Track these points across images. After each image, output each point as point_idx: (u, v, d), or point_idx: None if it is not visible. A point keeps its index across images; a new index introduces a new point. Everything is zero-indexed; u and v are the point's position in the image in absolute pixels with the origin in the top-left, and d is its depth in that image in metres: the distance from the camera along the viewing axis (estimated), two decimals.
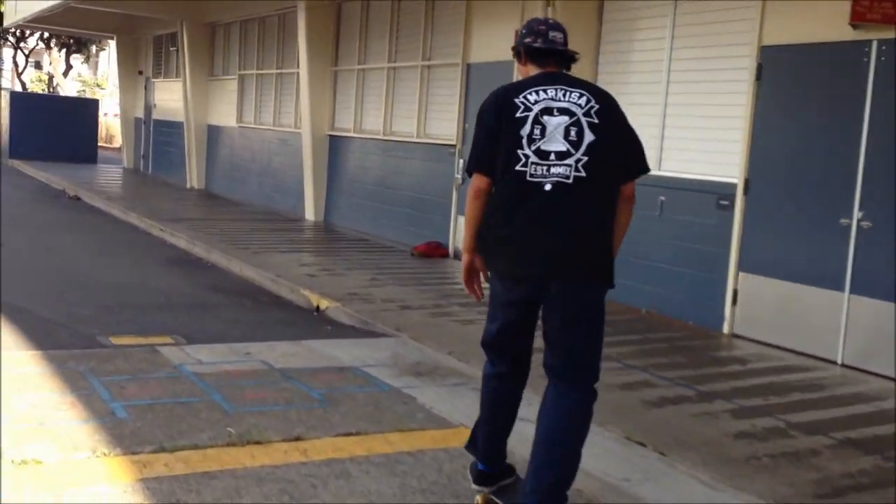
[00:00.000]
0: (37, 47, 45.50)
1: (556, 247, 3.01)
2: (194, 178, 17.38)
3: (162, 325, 6.28)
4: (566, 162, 3.01)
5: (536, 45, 3.22)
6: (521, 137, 3.04)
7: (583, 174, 3.00)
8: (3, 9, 30.27)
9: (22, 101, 21.99)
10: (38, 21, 21.10)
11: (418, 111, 10.88)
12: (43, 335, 5.60)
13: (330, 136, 12.79)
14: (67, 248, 9.79)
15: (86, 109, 22.98)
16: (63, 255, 9.29)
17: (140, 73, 21.17)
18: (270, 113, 14.67)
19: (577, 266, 3.02)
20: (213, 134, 17.07)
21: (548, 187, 2.99)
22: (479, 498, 3.39)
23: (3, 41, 38.84)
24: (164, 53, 19.62)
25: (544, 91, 3.10)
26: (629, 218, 3.19)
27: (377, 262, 9.47)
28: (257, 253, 9.45)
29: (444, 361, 5.59)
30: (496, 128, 3.10)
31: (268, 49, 14.90)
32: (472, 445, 3.43)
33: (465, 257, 3.26)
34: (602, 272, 3.07)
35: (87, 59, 52.89)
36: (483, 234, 3.15)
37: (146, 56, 20.84)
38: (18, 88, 42.95)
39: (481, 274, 3.27)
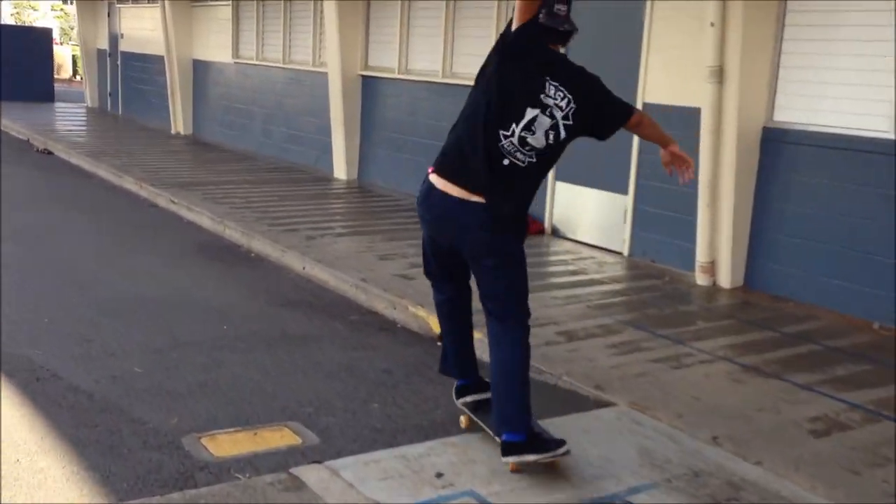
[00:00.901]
0: None
1: (490, 197, 3.30)
2: (179, 122, 14.99)
3: (249, 383, 4.31)
4: (530, 153, 3.32)
5: (548, 23, 3.31)
6: (524, 115, 3.29)
7: (534, 161, 3.34)
8: None
9: None
10: None
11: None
12: (87, 442, 3.57)
13: (363, 76, 10.59)
14: (61, 236, 7.59)
15: (38, 40, 20.03)
16: (60, 248, 7.10)
17: None
18: (278, 47, 12.31)
19: (491, 219, 3.32)
20: (201, 71, 14.62)
21: (505, 162, 3.32)
22: (463, 419, 3.81)
23: None
24: None
25: (555, 89, 3.30)
26: (650, 121, 3.61)
27: None
28: (312, 237, 7.40)
29: (737, 469, 3.57)
30: (519, 88, 3.31)
31: None
32: (445, 364, 3.83)
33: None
34: (508, 230, 3.37)
35: None
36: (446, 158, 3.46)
37: None
38: None
39: None
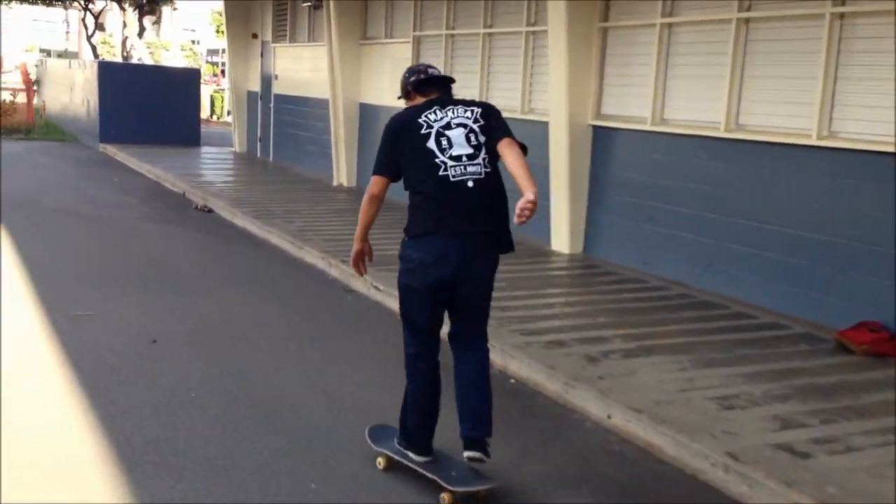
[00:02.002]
0: (106, 7, 42.23)
1: (481, 227, 3.67)
2: (342, 173, 13.35)
3: None
4: (475, 162, 3.67)
5: (421, 77, 3.96)
6: (433, 149, 3.66)
7: (489, 169, 3.69)
8: None
9: (112, 73, 18.14)
10: None
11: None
12: None
13: (595, 127, 8.56)
14: (248, 337, 5.80)
15: (185, 80, 19.00)
16: (249, 357, 5.31)
17: (255, 36, 17.13)
18: (473, 91, 10.46)
19: (492, 245, 3.75)
20: (369, 116, 12.97)
21: (470, 184, 3.62)
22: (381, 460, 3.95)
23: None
24: (290, 11, 15.51)
25: (440, 111, 3.76)
26: (518, 151, 3.71)
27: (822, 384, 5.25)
28: (593, 359, 5.32)
29: None
30: (398, 144, 3.76)
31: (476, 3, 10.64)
32: (419, 438, 3.85)
33: (355, 247, 4.01)
34: (505, 245, 3.81)
35: (158, 20, 49.55)
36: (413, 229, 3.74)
37: (262, 15, 16.77)
38: (88, 54, 39.64)
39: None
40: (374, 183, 3.79)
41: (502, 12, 9.97)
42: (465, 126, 3.70)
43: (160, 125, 18.21)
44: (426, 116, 3.74)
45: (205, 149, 18.47)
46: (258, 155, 17.30)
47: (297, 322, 6.35)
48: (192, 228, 9.79)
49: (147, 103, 18.04)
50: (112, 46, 44.85)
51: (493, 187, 3.68)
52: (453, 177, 3.61)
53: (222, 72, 36.29)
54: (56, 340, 5.54)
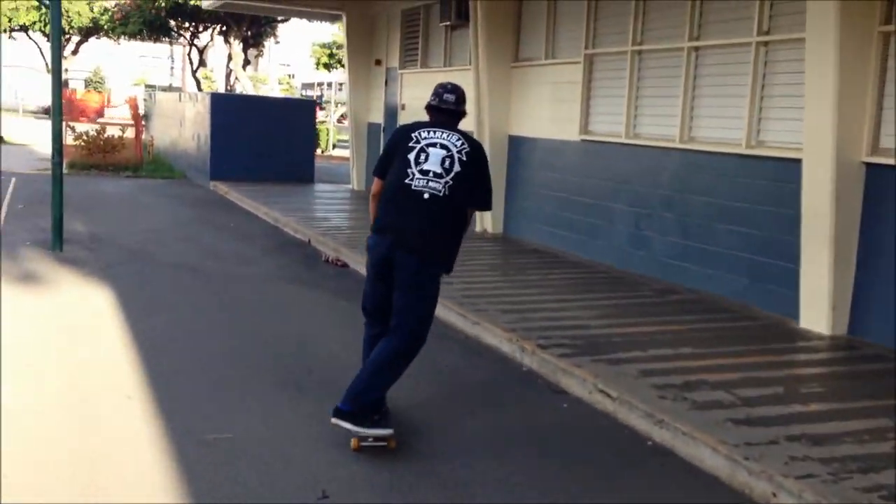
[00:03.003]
0: (210, 43, 42.15)
1: (415, 228, 4.22)
2: (486, 216, 11.50)
3: None
4: (440, 181, 4.22)
5: (433, 103, 4.51)
6: (410, 160, 4.27)
7: (448, 193, 4.23)
8: None
9: (224, 105, 16.88)
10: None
11: None
12: None
13: (869, 165, 6.45)
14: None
15: (300, 113, 17.61)
16: None
17: (378, 63, 15.58)
18: (671, 121, 8.47)
19: (418, 249, 4.22)
20: (520, 150, 11.11)
21: (426, 196, 4.20)
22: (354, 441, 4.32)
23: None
24: (422, 33, 13.88)
25: (433, 132, 4.36)
26: (466, 227, 4.47)
27: None
28: None
29: None
30: (394, 151, 4.38)
31: (673, 8, 8.68)
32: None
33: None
34: (435, 259, 4.30)
35: (261, 53, 49.53)
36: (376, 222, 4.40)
37: (388, 39, 15.21)
38: (193, 89, 39.40)
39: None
40: (374, 183, 4.51)
41: (716, 20, 7.97)
42: (447, 150, 4.28)
43: (273, 161, 16.85)
44: (420, 133, 4.36)
45: (319, 186, 16.98)
46: None
47: (520, 456, 4.41)
48: (332, 292, 8.03)
49: (259, 137, 16.71)
50: (213, 81, 44.77)
51: (447, 209, 4.23)
52: (414, 186, 4.21)
53: (319, 105, 35.40)
54: (185, 480, 3.77)
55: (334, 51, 43.90)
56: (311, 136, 17.62)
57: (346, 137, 43.78)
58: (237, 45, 33.34)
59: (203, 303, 7.28)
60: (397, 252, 4.21)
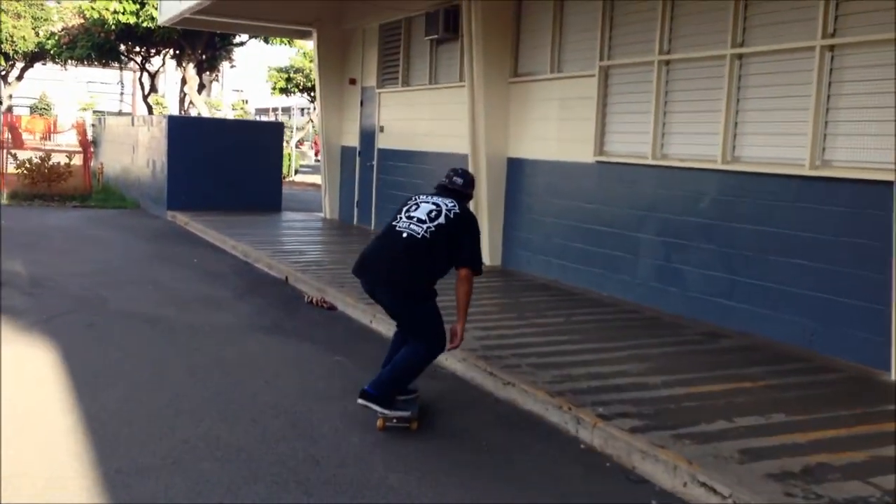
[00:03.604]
0: (161, 68, 40.65)
1: (388, 265, 4.73)
2: (484, 247, 10.30)
3: None
4: (422, 227, 4.69)
5: (443, 182, 5.04)
6: (402, 209, 4.88)
7: (428, 237, 4.66)
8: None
9: (183, 129, 15.48)
10: (200, 19, 14.66)
11: None
12: None
13: None
14: None
15: (267, 136, 16.27)
16: None
17: (353, 82, 14.37)
18: (710, 139, 7.38)
19: (393, 283, 4.74)
20: (522, 174, 9.97)
21: (404, 235, 4.69)
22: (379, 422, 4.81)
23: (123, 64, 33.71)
24: (403, 49, 12.71)
25: (432, 196, 4.93)
26: (466, 291, 4.79)
27: None
28: None
29: None
30: (396, 211, 4.97)
31: (710, 12, 7.62)
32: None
33: None
34: (408, 293, 4.74)
35: (216, 78, 48.08)
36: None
37: (364, 56, 14.02)
38: (144, 114, 37.77)
39: None
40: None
41: (766, 23, 6.94)
42: (437, 206, 4.81)
43: (237, 188, 15.51)
44: (420, 196, 4.97)
45: (288, 215, 15.65)
46: (355, 222, 14.40)
47: None
48: (324, 344, 6.74)
49: (221, 163, 15.37)
50: (165, 107, 43.10)
51: (424, 250, 4.67)
52: (397, 227, 4.77)
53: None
54: None
55: (292, 74, 42.71)
56: (278, 162, 16.29)
57: (306, 163, 42.32)
58: (192, 69, 31.86)
59: (167, 366, 5.93)
60: (376, 288, 4.80)
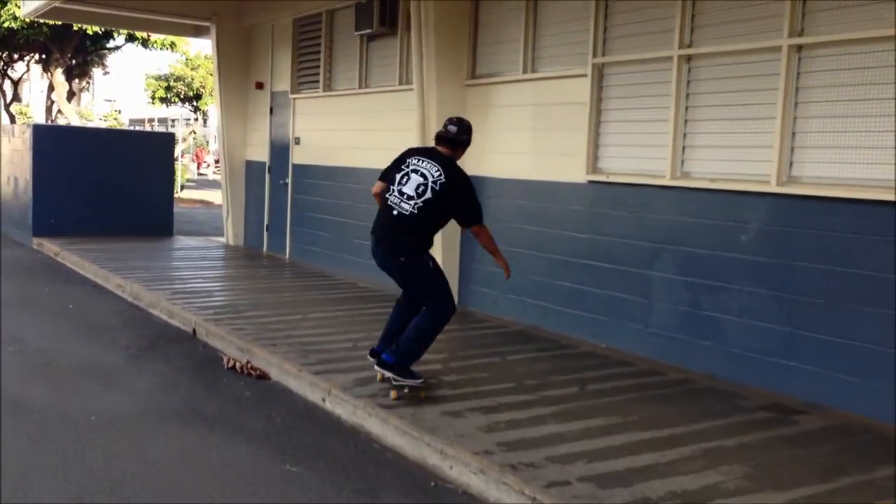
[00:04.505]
0: (25, 75, 37.07)
1: (388, 236, 5.23)
2: None
3: None
4: (411, 203, 5.09)
5: (439, 131, 5.37)
6: (396, 180, 5.21)
7: (416, 213, 5.08)
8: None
9: (51, 140, 12.91)
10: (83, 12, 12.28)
11: None
12: None
13: None
14: None
15: (154, 149, 13.87)
16: None
17: (260, 86, 12.28)
18: (764, 151, 5.86)
19: (392, 251, 5.22)
20: (483, 196, 8.21)
21: (395, 212, 5.13)
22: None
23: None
24: (324, 48, 10.76)
25: (421, 161, 5.20)
26: (486, 238, 5.32)
27: None
28: None
29: None
30: (394, 165, 5.35)
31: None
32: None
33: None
34: (405, 254, 5.19)
35: (87, 85, 44.51)
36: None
37: (274, 57, 11.97)
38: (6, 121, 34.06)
39: None
40: (377, 185, 5.48)
41: (822, 9, 5.46)
42: (424, 178, 5.11)
43: (119, 210, 13.14)
44: (412, 159, 5.26)
45: (182, 241, 13.35)
46: (265, 250, 12.29)
47: None
48: (263, 440, 4.77)
49: (99, 180, 12.96)
50: (30, 117, 39.26)
51: (413, 224, 5.10)
52: (391, 203, 5.18)
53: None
54: None
55: (172, 83, 39.76)
56: (169, 179, 13.91)
57: (190, 177, 39.25)
58: (60, 75, 28.65)
59: (37, 493, 3.85)
60: (383, 255, 5.28)
